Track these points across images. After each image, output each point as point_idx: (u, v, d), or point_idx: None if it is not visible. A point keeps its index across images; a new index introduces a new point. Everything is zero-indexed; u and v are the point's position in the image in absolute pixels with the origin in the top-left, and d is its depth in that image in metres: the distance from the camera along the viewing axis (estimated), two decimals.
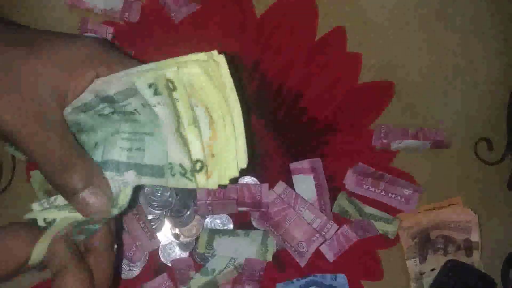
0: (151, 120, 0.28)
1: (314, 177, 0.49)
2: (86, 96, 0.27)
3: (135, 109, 0.28)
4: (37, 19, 0.51)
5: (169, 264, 0.48)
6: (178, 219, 0.48)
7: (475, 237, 0.48)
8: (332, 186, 0.50)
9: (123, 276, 0.48)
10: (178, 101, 0.25)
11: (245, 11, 0.52)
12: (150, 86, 0.26)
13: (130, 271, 0.48)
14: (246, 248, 0.47)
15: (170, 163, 0.27)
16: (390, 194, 0.49)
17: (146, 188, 0.48)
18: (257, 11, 0.52)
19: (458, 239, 0.48)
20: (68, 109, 0.28)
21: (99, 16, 0.52)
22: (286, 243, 0.46)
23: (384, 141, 0.49)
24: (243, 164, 0.27)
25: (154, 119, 0.27)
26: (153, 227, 0.48)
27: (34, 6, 0.52)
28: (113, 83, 0.27)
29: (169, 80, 0.25)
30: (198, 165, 0.26)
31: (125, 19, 0.52)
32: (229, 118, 0.27)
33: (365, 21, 0.53)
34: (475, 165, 0.51)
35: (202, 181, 0.27)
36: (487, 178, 0.50)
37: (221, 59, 0.26)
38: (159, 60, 0.28)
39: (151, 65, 0.27)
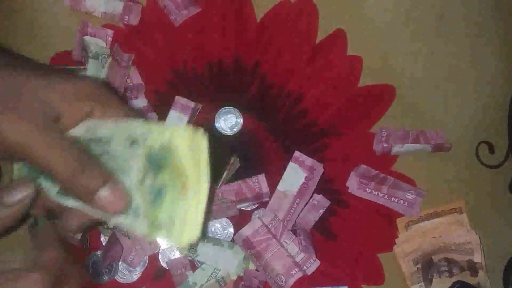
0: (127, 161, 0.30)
1: (306, 176, 0.48)
2: (77, 131, 0.30)
3: (111, 153, 0.30)
4: (37, 22, 0.51)
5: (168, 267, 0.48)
6: None
7: (477, 258, 0.47)
8: (331, 189, 0.49)
9: (122, 281, 0.48)
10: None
11: (245, 14, 0.52)
12: (131, 141, 0.28)
13: (130, 275, 0.48)
14: (227, 260, 0.46)
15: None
16: (393, 199, 0.48)
17: None
18: (257, 14, 0.52)
19: (461, 261, 0.47)
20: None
21: (99, 19, 0.51)
22: (266, 273, 0.46)
23: (385, 145, 0.49)
24: (193, 236, 0.28)
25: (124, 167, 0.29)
26: None
27: (35, 9, 0.51)
28: (102, 127, 0.29)
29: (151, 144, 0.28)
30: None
31: (125, 22, 0.51)
32: (196, 189, 0.28)
33: (366, 24, 0.53)
34: (476, 168, 0.50)
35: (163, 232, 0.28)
36: (488, 181, 0.50)
37: (203, 139, 0.28)
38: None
39: (138, 123, 0.29)
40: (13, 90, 0.27)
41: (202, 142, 0.28)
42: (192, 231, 0.28)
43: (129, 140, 0.28)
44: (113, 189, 0.28)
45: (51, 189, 0.30)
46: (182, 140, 0.27)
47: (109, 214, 0.29)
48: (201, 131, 0.27)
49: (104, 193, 0.27)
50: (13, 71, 0.28)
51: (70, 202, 0.30)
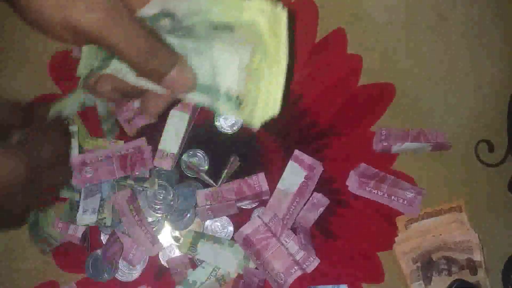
0: (207, 40, 0.30)
1: (306, 175, 0.48)
2: (148, 10, 0.30)
3: (194, 25, 0.30)
4: None
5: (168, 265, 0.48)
6: (179, 222, 0.48)
7: (477, 256, 0.47)
8: (331, 189, 0.50)
9: (122, 279, 0.48)
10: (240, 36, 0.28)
11: None
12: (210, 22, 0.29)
13: (130, 274, 0.48)
14: (228, 258, 0.47)
15: (217, 86, 0.30)
16: (393, 197, 0.48)
17: (147, 192, 0.48)
18: None
19: (461, 259, 0.48)
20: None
21: None
22: (266, 272, 0.46)
23: (385, 144, 0.49)
24: (275, 110, 0.29)
25: (211, 40, 0.29)
26: (153, 229, 0.48)
27: None
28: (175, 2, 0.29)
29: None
30: (239, 99, 0.29)
31: None
32: (276, 65, 0.29)
33: (366, 23, 0.53)
34: (476, 167, 0.51)
35: (246, 112, 0.29)
36: (487, 180, 0.50)
37: (283, 13, 0.28)
38: None
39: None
40: None
41: (282, 17, 0.28)
42: (273, 107, 0.29)
43: (206, 19, 0.29)
44: (180, 69, 0.29)
45: (125, 71, 0.31)
46: (262, 17, 0.28)
47: (181, 93, 0.30)
48: (280, 6, 0.28)
49: (173, 74, 0.29)
50: None
51: (143, 83, 0.30)
